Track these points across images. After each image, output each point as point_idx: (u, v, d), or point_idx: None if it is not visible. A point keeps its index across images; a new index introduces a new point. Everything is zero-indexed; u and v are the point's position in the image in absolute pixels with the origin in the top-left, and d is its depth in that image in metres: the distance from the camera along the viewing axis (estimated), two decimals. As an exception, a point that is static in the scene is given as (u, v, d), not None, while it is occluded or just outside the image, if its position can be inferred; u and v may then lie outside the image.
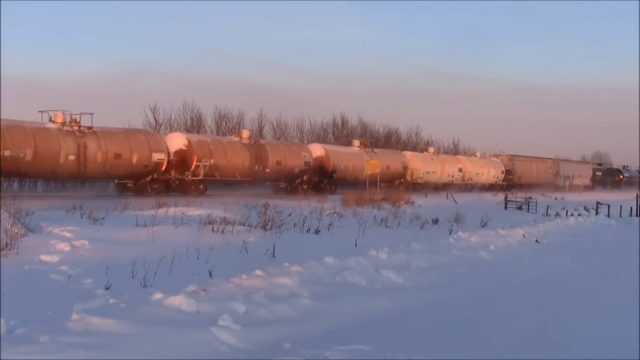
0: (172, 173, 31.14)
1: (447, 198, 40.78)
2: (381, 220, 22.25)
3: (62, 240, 12.69)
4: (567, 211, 36.25)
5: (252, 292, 8.36)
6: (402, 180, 45.80)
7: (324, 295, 9.04)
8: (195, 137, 34.64)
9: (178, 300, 7.38)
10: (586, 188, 68.12)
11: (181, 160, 31.45)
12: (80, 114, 27.73)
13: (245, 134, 36.60)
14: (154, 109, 50.45)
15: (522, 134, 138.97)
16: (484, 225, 23.58)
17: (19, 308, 7.35)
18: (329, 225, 18.96)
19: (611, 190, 67.18)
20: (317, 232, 17.50)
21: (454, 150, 73.29)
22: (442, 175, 50.97)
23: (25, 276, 9.99)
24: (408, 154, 49.25)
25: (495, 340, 7.44)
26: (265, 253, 12.75)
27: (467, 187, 53.28)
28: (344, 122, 65.19)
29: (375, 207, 28.84)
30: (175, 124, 51.91)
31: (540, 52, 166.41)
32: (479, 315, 8.76)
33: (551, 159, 69.95)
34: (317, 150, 40.41)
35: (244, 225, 17.33)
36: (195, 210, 20.17)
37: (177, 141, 32.27)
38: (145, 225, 15.40)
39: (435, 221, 23.61)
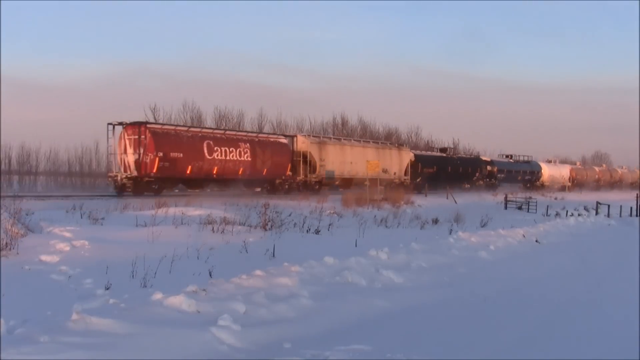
0: None
1: (447, 198, 40.80)
2: (381, 220, 22.27)
3: (62, 240, 12.68)
4: (567, 211, 36.29)
5: (252, 292, 8.36)
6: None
7: (324, 295, 9.03)
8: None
9: (178, 300, 7.38)
10: None
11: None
12: None
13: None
14: (154, 109, 50.46)
15: (522, 134, 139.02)
16: (484, 225, 23.60)
17: (19, 308, 7.35)
18: (329, 225, 18.96)
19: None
20: (317, 232, 17.49)
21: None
22: None
23: (25, 276, 9.98)
24: None
25: (495, 340, 7.43)
26: (265, 253, 12.74)
27: None
28: (344, 122, 65.13)
29: (375, 207, 28.85)
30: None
31: (540, 52, 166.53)
32: (478, 315, 8.75)
33: None
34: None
35: (244, 225, 17.33)
36: (195, 210, 20.16)
37: None
38: (145, 225, 15.40)
39: (435, 221, 23.62)
